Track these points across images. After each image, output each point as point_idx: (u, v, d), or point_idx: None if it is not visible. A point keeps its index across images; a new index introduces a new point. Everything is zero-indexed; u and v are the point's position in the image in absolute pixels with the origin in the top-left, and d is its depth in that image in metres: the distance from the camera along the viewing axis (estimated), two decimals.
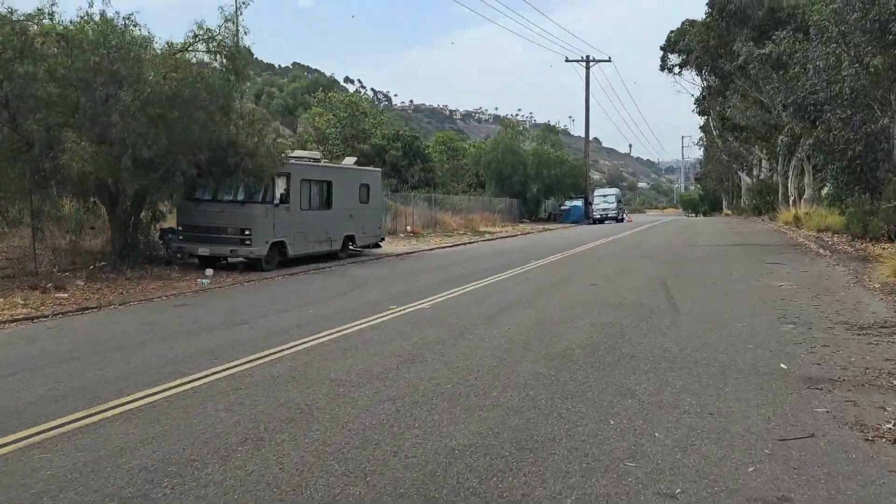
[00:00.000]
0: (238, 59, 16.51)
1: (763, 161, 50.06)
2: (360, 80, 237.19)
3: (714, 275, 13.39)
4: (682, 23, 47.95)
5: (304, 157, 20.45)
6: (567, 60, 54.84)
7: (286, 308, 11.43)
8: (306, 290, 14.22)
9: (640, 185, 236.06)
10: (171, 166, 15.28)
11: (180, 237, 17.89)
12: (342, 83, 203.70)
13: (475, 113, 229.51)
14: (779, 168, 42.99)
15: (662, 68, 49.23)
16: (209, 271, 16.59)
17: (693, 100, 45.00)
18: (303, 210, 19.05)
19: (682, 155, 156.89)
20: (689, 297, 10.82)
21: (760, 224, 34.75)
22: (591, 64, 54.50)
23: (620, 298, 11.03)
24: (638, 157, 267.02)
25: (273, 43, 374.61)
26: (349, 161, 23.36)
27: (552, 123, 60.05)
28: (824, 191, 32.46)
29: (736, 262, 15.50)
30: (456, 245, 28.11)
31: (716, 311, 9.53)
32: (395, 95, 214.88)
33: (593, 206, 53.85)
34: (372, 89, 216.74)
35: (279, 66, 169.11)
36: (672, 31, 48.86)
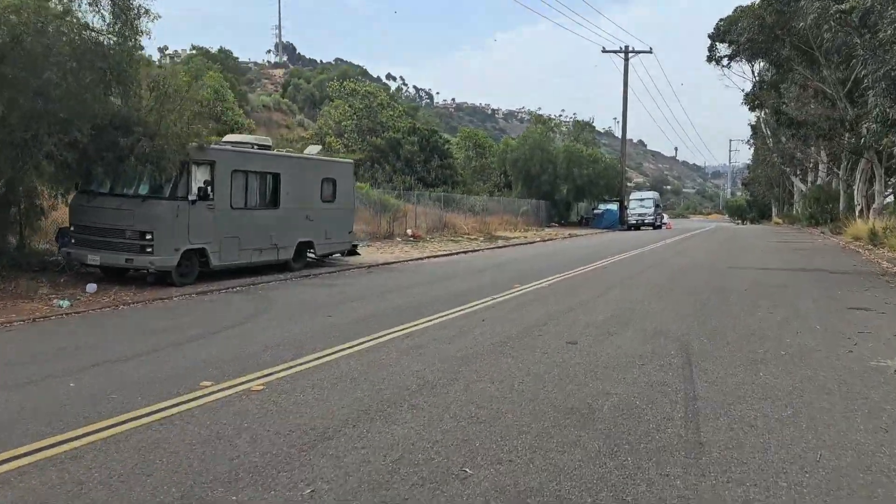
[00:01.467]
0: (130, 10, 12.23)
1: (821, 165, 44.16)
2: (402, 77, 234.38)
3: (771, 332, 8.20)
4: (735, 10, 42.49)
5: (241, 143, 16.19)
6: (604, 51, 49.77)
7: (128, 354, 7.29)
8: (193, 319, 9.96)
9: (686, 189, 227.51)
10: (26, 146, 11.18)
11: (72, 240, 13.81)
12: (384, 80, 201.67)
13: (517, 112, 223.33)
14: (841, 173, 37.28)
15: (710, 59, 43.77)
16: (91, 287, 12.49)
17: (743, 94, 39.53)
18: (235, 209, 14.85)
19: (730, 159, 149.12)
20: (726, 399, 5.73)
21: (820, 238, 29.31)
22: (630, 55, 49.26)
23: (596, 392, 5.97)
24: (684, 161, 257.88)
25: (318, 40, 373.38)
26: (313, 150, 19.05)
27: (586, 120, 54.87)
28: None
29: (802, 304, 10.14)
30: (456, 254, 23.64)
31: (782, 451, 4.48)
32: (437, 93, 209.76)
33: (629, 211, 48.62)
34: (414, 86, 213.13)
35: (321, 61, 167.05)
36: (721, 19, 43.41)
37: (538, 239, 33.44)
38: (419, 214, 33.09)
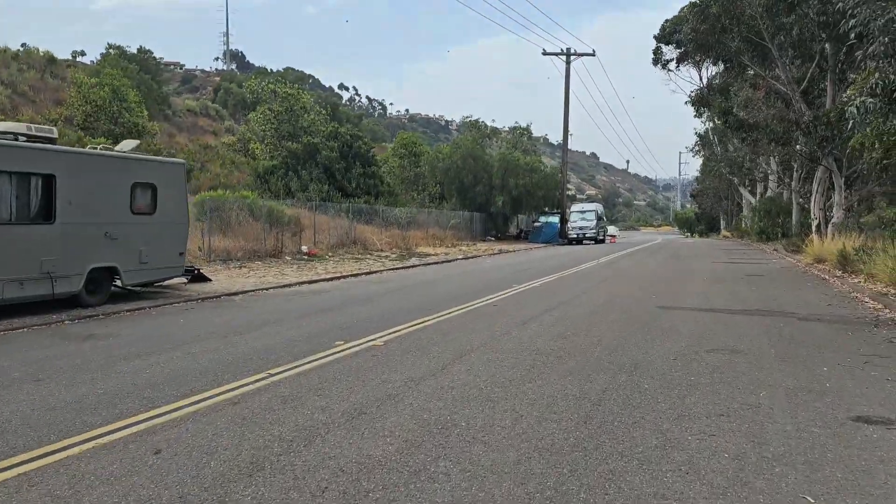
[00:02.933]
0: None
1: (771, 176, 40.71)
2: (354, 87, 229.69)
3: None
4: (681, 9, 38.88)
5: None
6: (545, 53, 45.60)
7: None
8: None
9: (637, 202, 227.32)
10: None
11: None
12: (336, 90, 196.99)
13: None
14: (793, 183, 33.70)
15: (655, 62, 40.13)
16: None
17: (690, 98, 35.64)
18: None
19: (679, 171, 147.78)
20: None
21: (774, 257, 25.21)
22: (571, 58, 45.30)
23: None
24: (636, 174, 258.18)
25: (273, 49, 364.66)
26: (126, 146, 14.14)
27: (523, 126, 50.74)
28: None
29: (767, 411, 5.28)
30: (344, 277, 19.01)
31: None
32: (391, 104, 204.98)
33: (569, 224, 44.49)
34: (367, 97, 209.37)
35: (271, 69, 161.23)
36: (667, 20, 39.79)
37: (461, 256, 28.92)
38: (325, 228, 28.32)
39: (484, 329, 9.43)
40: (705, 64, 40.04)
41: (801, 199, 33.66)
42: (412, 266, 23.80)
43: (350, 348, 8.16)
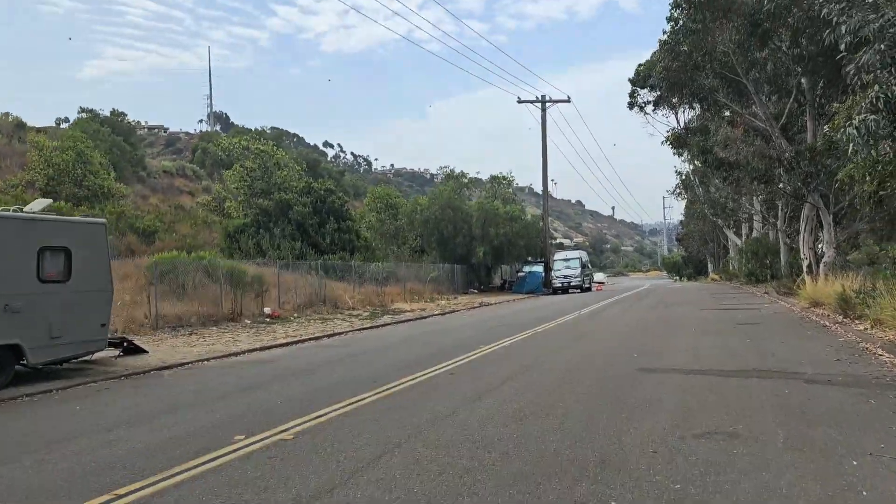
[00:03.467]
0: None
1: (755, 216, 39.55)
2: (339, 145, 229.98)
3: None
4: (653, 54, 38.37)
5: None
6: (520, 101, 44.88)
7: None
8: None
9: (625, 247, 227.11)
10: None
11: None
12: (321, 147, 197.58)
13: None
14: (779, 223, 32.46)
15: (631, 106, 39.44)
16: None
17: (664, 136, 34.75)
18: None
19: (664, 216, 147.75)
20: None
21: (766, 301, 23.56)
22: (547, 104, 44.60)
23: None
24: (622, 220, 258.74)
25: (257, 109, 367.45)
26: (37, 205, 12.56)
27: (503, 174, 49.71)
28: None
29: None
30: (305, 341, 17.42)
31: None
32: (376, 160, 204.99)
33: (553, 273, 42.97)
34: (352, 153, 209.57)
35: (255, 128, 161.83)
36: (641, 64, 39.25)
37: (437, 311, 27.23)
38: (293, 287, 26.64)
39: (427, 409, 7.74)
40: (681, 108, 39.41)
41: (787, 239, 32.40)
42: (382, 325, 22.10)
43: (251, 444, 6.44)
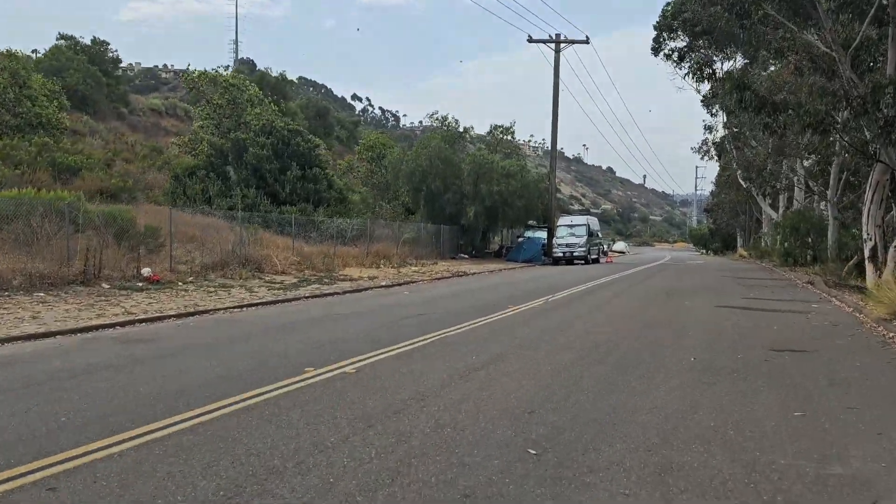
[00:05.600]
0: None
1: (798, 184, 32.43)
2: (367, 98, 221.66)
3: None
4: None
5: None
6: (531, 40, 37.86)
7: None
8: None
9: (653, 217, 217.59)
10: None
11: None
12: (349, 100, 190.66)
13: (487, 136, 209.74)
14: (829, 192, 25.51)
15: (656, 52, 32.29)
16: None
17: (691, 70, 27.60)
18: None
19: (696, 186, 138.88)
20: None
21: (812, 294, 16.57)
22: (562, 45, 37.61)
23: None
24: (653, 189, 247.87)
25: (286, 58, 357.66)
26: None
27: (505, 125, 42.91)
28: None
29: None
30: (154, 320, 11.89)
31: None
32: (405, 115, 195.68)
33: (555, 241, 36.53)
34: (380, 108, 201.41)
35: (277, 75, 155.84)
36: (668, 3, 31.97)
37: (386, 282, 21.32)
38: (202, 243, 20.99)
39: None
40: (716, 58, 32.14)
41: (838, 213, 25.50)
42: (295, 299, 16.31)
43: None
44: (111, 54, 53.36)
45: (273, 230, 26.40)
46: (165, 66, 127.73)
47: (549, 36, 37.90)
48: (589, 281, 22.10)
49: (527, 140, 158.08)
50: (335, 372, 7.36)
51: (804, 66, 17.28)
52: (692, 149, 41.23)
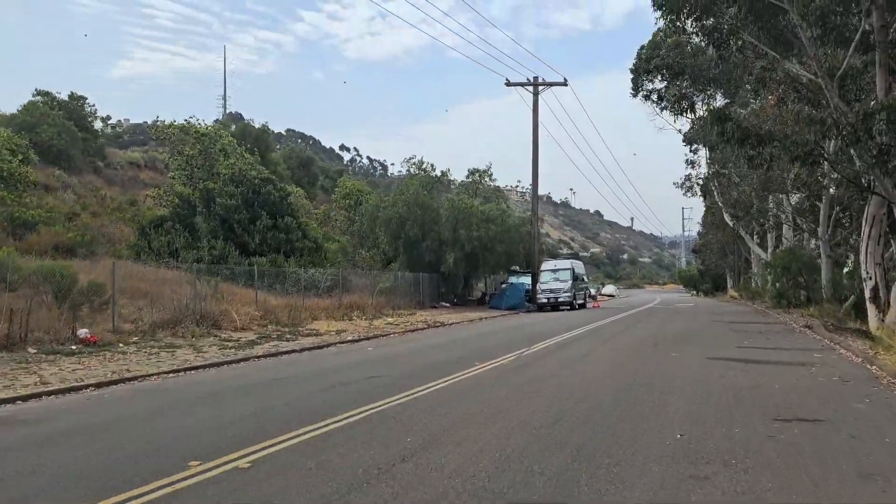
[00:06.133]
0: None
1: (786, 221, 31.23)
2: (355, 149, 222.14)
3: None
4: (654, 33, 30.49)
5: None
6: (508, 84, 37.23)
7: None
8: None
9: (642, 259, 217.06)
10: None
11: None
12: (337, 150, 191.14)
13: (467, 180, 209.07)
14: (820, 229, 24.23)
15: (635, 93, 31.54)
16: None
17: (668, 104, 26.68)
18: None
19: (683, 227, 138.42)
20: None
21: (811, 340, 15.01)
22: (540, 88, 36.86)
23: None
24: (641, 231, 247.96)
25: (278, 112, 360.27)
26: None
27: (481, 168, 41.94)
28: None
29: None
30: (67, 392, 10.21)
31: None
32: (392, 164, 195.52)
33: (539, 286, 35.03)
34: (368, 157, 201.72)
35: (260, 125, 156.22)
36: (643, 46, 31.39)
37: (353, 337, 19.68)
38: (152, 299, 19.37)
39: None
40: (697, 99, 31.37)
41: (831, 251, 24.19)
42: (245, 360, 14.69)
43: None
44: (89, 108, 52.42)
45: (242, 283, 24.88)
46: (155, 121, 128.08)
47: (527, 79, 37.15)
48: (570, 330, 20.51)
49: (514, 185, 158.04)
50: (227, 467, 5.73)
51: (788, 96, 16.15)
52: (675, 184, 39.98)
